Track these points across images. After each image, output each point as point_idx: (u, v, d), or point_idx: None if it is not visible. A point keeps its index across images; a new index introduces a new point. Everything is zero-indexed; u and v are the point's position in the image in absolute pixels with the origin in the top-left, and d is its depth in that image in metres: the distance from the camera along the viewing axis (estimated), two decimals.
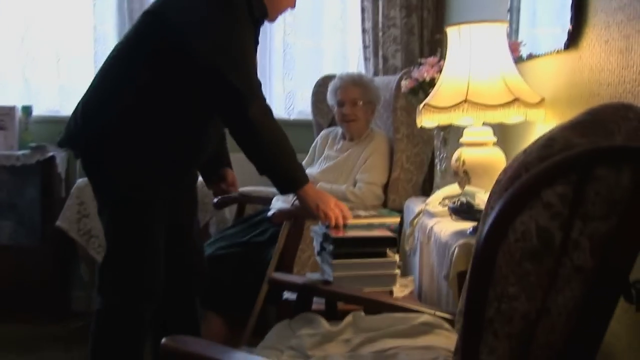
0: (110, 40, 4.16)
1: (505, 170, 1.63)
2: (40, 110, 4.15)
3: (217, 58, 2.22)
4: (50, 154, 3.89)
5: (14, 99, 4.10)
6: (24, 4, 4.12)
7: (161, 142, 2.30)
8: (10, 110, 3.98)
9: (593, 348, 1.19)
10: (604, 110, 1.25)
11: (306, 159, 3.66)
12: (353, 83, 3.43)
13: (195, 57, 2.22)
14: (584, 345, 1.19)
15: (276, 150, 2.34)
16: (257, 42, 2.44)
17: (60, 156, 3.97)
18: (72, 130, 2.36)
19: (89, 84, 2.41)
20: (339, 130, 3.57)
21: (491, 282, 1.19)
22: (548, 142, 1.22)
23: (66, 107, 4.18)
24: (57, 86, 4.19)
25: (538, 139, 1.52)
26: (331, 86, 3.52)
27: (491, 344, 1.20)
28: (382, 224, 2.51)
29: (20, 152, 3.90)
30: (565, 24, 2.13)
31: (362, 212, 2.64)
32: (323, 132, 3.70)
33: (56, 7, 4.14)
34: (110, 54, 2.42)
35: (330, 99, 3.53)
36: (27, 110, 4.04)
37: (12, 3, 4.11)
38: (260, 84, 2.33)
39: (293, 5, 2.52)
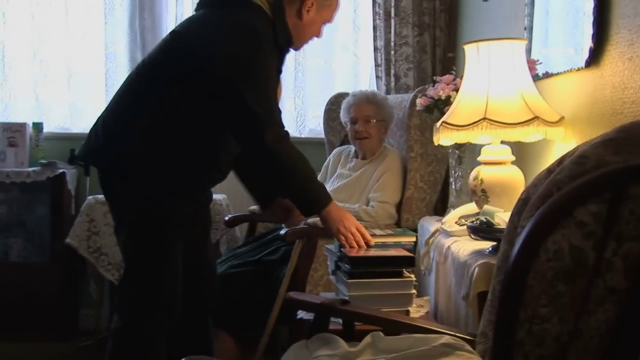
0: (121, 58, 4.17)
1: (527, 190, 1.61)
2: (50, 127, 4.14)
3: (238, 81, 2.23)
4: (61, 170, 3.88)
5: (25, 115, 4.10)
6: (36, 21, 4.12)
7: (180, 161, 2.31)
8: (21, 127, 3.97)
9: None
10: (636, 127, 1.23)
11: (318, 177, 3.63)
12: (367, 100, 3.41)
13: (217, 80, 2.24)
14: None
15: (294, 174, 2.35)
16: (280, 71, 2.45)
17: (71, 173, 3.95)
18: (92, 146, 2.37)
19: (111, 99, 2.42)
20: (351, 148, 3.55)
21: (522, 302, 1.16)
22: (580, 160, 1.19)
23: (77, 124, 4.18)
24: (68, 103, 4.19)
25: (564, 157, 1.49)
26: (344, 104, 3.50)
27: None
28: (397, 242, 2.48)
29: (30, 169, 3.88)
30: (579, 43, 2.13)
31: (377, 231, 2.61)
32: (335, 151, 3.68)
33: (67, 24, 4.14)
34: (134, 70, 2.44)
35: (343, 116, 3.51)
36: (38, 127, 4.03)
37: (23, 20, 4.11)
38: (280, 112, 2.35)
39: (319, 35, 2.54)
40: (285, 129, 2.35)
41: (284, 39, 2.40)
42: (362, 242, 2.40)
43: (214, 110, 2.29)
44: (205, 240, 2.61)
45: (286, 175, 2.35)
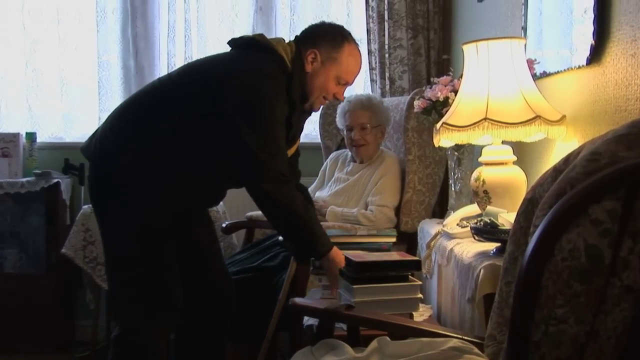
0: (114, 67, 4.14)
1: (533, 189, 1.58)
2: (44, 137, 4.10)
3: (244, 123, 2.26)
4: (55, 180, 3.84)
5: (18, 125, 4.06)
6: (28, 31, 4.09)
7: (172, 191, 2.34)
8: (14, 137, 3.93)
9: None
10: None
11: (316, 182, 3.61)
12: (361, 107, 3.37)
13: (224, 118, 2.27)
14: None
15: (294, 220, 2.38)
16: (290, 125, 2.45)
17: (65, 182, 3.91)
18: (90, 151, 2.39)
19: (118, 107, 2.45)
20: (348, 152, 3.53)
21: (537, 303, 1.14)
22: (593, 157, 1.17)
23: (70, 133, 4.14)
24: (61, 113, 4.15)
25: (569, 156, 1.47)
26: (340, 109, 3.47)
27: None
28: (375, 243, 2.47)
29: (24, 179, 3.84)
30: (573, 43, 2.12)
31: (360, 231, 2.60)
32: (332, 155, 3.65)
33: (59, 33, 4.10)
34: (145, 90, 2.46)
35: (339, 122, 3.48)
36: (31, 137, 3.99)
37: (15, 30, 4.08)
38: (285, 159, 2.38)
39: (334, 93, 2.54)
40: (287, 177, 2.36)
41: (299, 93, 2.44)
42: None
43: (215, 152, 2.32)
44: (207, 241, 2.63)
45: (287, 221, 2.40)
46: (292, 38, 2.59)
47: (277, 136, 2.33)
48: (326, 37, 2.51)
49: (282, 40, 2.51)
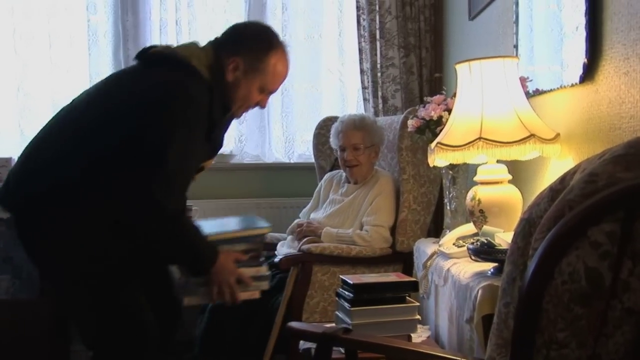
0: None
1: (530, 209, 1.57)
2: None
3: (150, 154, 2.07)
4: None
5: (9, 150, 4.03)
6: (19, 55, 4.07)
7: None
8: (6, 162, 3.90)
9: None
10: None
11: (310, 203, 3.60)
12: (354, 127, 3.36)
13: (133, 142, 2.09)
14: None
15: (177, 241, 2.16)
16: (210, 139, 2.26)
17: None
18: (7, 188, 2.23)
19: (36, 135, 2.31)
20: (343, 173, 3.52)
21: (538, 327, 1.13)
22: (591, 178, 1.16)
23: None
24: None
25: (565, 175, 1.47)
26: (333, 129, 3.47)
27: None
28: (251, 236, 2.33)
29: None
30: (564, 59, 2.12)
31: (231, 228, 2.42)
32: (327, 176, 3.65)
33: (51, 57, 4.09)
34: (61, 114, 2.30)
35: (332, 142, 3.48)
36: None
37: (6, 54, 4.06)
38: (184, 195, 2.23)
39: (256, 102, 2.35)
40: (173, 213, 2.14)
41: (221, 105, 2.25)
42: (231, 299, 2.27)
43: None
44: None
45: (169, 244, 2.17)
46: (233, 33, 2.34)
47: (184, 173, 2.17)
48: (250, 43, 2.29)
49: (195, 46, 2.30)
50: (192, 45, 2.31)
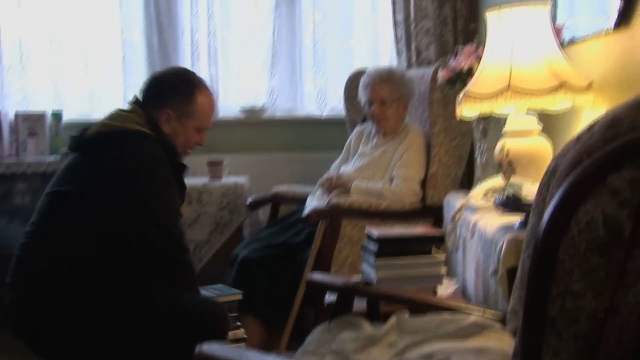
0: (137, 44, 4.13)
1: (556, 159, 1.52)
2: (70, 115, 4.11)
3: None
4: None
5: (44, 105, 4.07)
6: (51, 10, 4.08)
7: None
8: (40, 117, 3.95)
9: None
10: None
11: (341, 156, 3.56)
12: (380, 80, 3.28)
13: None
14: None
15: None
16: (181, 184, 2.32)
17: None
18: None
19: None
20: (373, 126, 3.47)
21: (553, 278, 1.09)
22: (613, 123, 1.11)
23: (96, 111, 4.14)
24: (86, 91, 4.15)
25: (594, 123, 1.41)
26: (361, 83, 3.40)
27: (555, 345, 1.09)
28: (228, 301, 2.39)
29: (51, 158, 3.86)
30: (606, 5, 2.02)
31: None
32: (357, 129, 3.60)
33: (83, 12, 4.09)
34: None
35: (361, 95, 3.42)
36: (57, 116, 4.00)
37: (39, 9, 4.08)
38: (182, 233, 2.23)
39: (199, 142, 2.39)
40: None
41: (171, 154, 2.27)
42: None
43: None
44: None
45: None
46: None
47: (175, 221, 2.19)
48: (174, 92, 2.32)
49: (121, 113, 2.31)
50: (119, 113, 2.31)
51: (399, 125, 3.33)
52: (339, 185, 3.27)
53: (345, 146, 3.59)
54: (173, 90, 2.33)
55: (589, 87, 2.10)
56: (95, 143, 2.24)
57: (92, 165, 2.21)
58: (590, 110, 2.17)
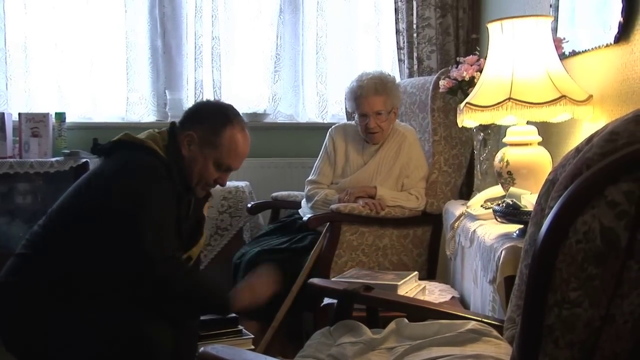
0: (141, 47, 4.14)
1: (555, 170, 1.55)
2: (73, 116, 4.13)
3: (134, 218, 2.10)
4: (84, 160, 3.86)
5: (47, 106, 4.09)
6: (57, 12, 4.11)
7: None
8: (44, 117, 3.96)
9: None
10: None
11: (321, 157, 3.42)
12: (375, 92, 3.16)
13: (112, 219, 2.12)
14: None
15: (197, 292, 2.21)
16: (181, 219, 2.28)
17: (94, 162, 3.94)
18: None
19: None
20: (356, 128, 3.33)
21: (551, 286, 1.12)
22: (611, 137, 1.14)
23: (99, 113, 4.17)
24: (90, 93, 4.18)
25: (593, 136, 1.44)
26: (350, 92, 3.27)
27: (552, 353, 1.12)
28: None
29: (54, 159, 3.88)
30: (607, 20, 2.05)
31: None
32: (337, 129, 3.42)
33: (88, 15, 4.11)
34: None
35: (349, 105, 3.32)
36: (60, 116, 4.02)
37: (44, 11, 4.10)
38: (173, 243, 2.20)
39: (215, 179, 2.34)
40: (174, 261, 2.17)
41: (180, 180, 2.25)
42: None
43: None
44: None
45: (190, 296, 2.19)
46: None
47: (166, 223, 2.17)
48: (206, 119, 2.31)
49: (151, 131, 2.32)
50: (149, 131, 2.33)
51: (389, 130, 3.27)
52: (360, 192, 3.20)
53: (324, 148, 3.43)
54: (206, 117, 2.32)
55: (588, 99, 2.13)
56: (104, 149, 2.31)
57: (94, 168, 2.31)
58: (589, 123, 2.20)
